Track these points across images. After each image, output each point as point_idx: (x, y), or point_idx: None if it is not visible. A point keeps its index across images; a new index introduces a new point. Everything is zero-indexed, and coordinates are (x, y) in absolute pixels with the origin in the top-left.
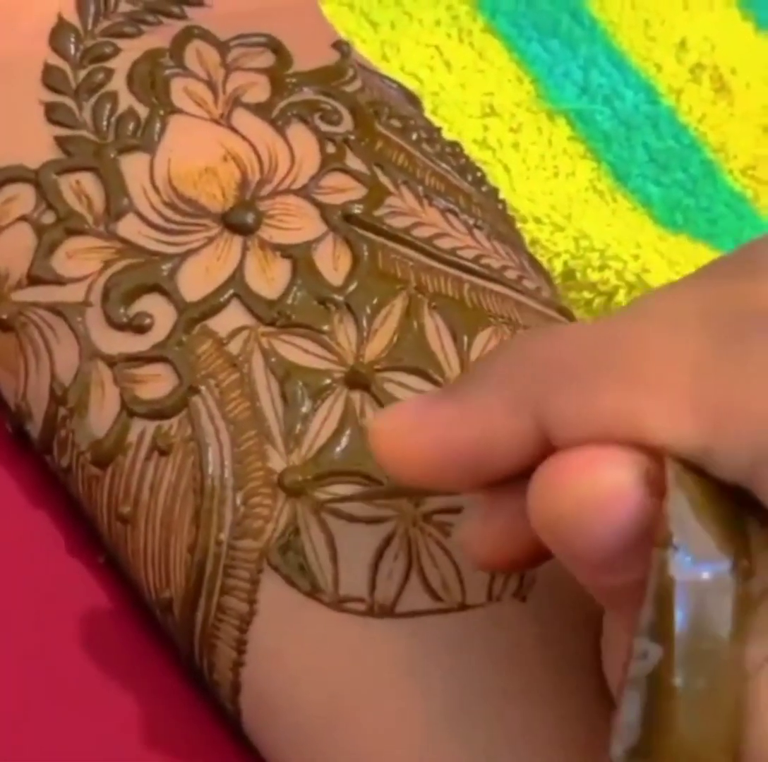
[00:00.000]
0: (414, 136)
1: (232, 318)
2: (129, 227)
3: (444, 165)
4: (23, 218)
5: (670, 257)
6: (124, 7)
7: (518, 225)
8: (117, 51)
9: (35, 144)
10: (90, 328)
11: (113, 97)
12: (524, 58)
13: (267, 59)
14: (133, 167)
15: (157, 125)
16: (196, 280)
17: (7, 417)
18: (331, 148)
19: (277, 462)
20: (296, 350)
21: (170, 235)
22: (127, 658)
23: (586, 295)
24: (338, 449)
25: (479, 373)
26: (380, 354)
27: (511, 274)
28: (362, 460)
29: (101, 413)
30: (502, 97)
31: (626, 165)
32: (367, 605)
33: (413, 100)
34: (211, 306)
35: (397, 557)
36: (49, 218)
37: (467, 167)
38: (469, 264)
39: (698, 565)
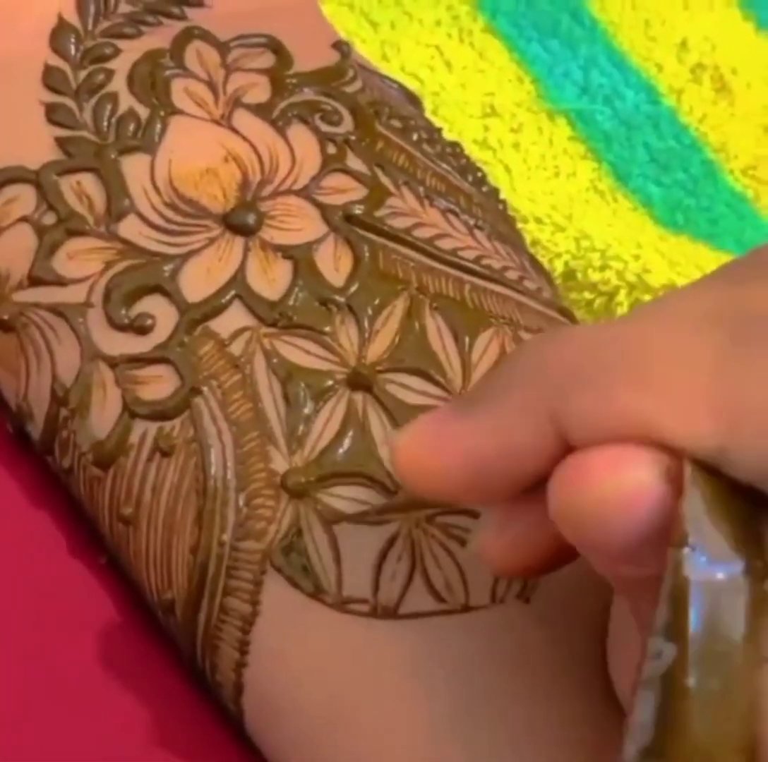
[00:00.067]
0: (414, 137)
1: (233, 319)
2: (130, 228)
3: (444, 165)
4: (24, 219)
5: (670, 257)
6: (124, 8)
7: (519, 225)
8: (117, 52)
9: (36, 145)
10: (91, 329)
11: (114, 97)
12: (525, 58)
13: (267, 60)
14: (134, 168)
15: (158, 126)
16: (198, 281)
17: (8, 417)
18: (331, 149)
19: (279, 463)
20: (298, 351)
21: (171, 236)
22: (128, 658)
23: (587, 295)
24: (341, 451)
25: (494, 382)
26: (382, 355)
27: (512, 275)
28: (365, 462)
29: (103, 414)
30: (502, 97)
31: (627, 165)
32: (370, 606)
33: (414, 100)
34: (213, 307)
35: (400, 558)
36: (50, 219)
37: (468, 167)
38: (470, 265)
39: (713, 565)
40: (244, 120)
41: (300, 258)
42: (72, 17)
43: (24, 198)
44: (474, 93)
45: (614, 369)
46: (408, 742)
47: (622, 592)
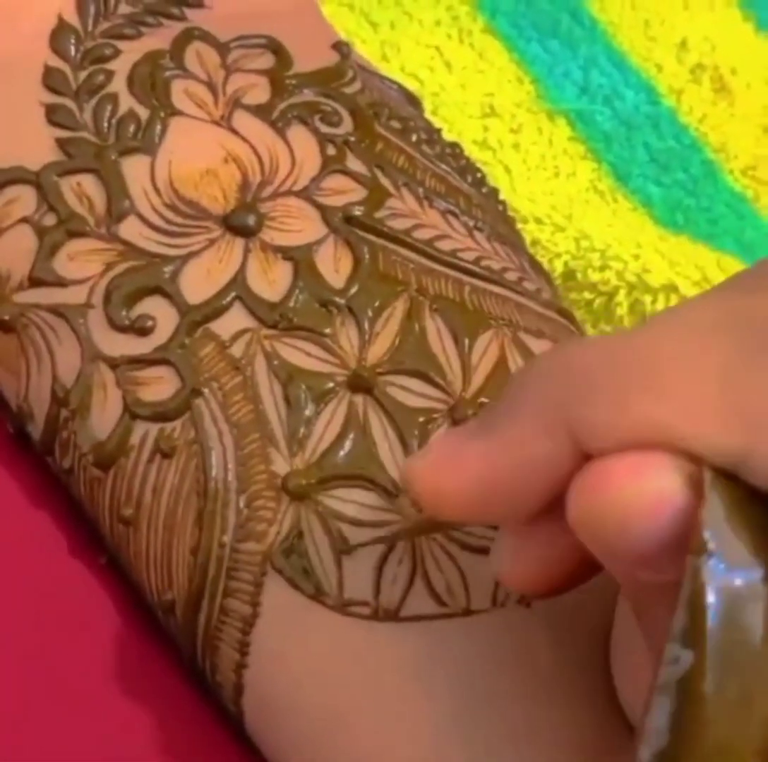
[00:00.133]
0: (414, 138)
1: (234, 320)
2: (130, 229)
3: (444, 166)
4: (24, 220)
5: (670, 257)
6: (124, 9)
7: (519, 226)
8: (117, 52)
9: (36, 146)
10: (92, 330)
11: (114, 98)
12: (524, 58)
13: (267, 61)
14: (134, 169)
15: (158, 127)
16: (198, 282)
17: (9, 418)
18: (331, 150)
19: (280, 465)
20: (299, 353)
21: (172, 238)
22: (128, 658)
23: (587, 295)
24: (342, 453)
25: (505, 400)
26: (382, 357)
27: (511, 276)
28: (366, 464)
29: (103, 415)
30: (502, 97)
31: (627, 165)
32: (371, 609)
33: (413, 101)
34: (214, 308)
35: (401, 562)
36: (50, 220)
37: (467, 168)
38: (470, 266)
39: (732, 572)
40: (243, 121)
41: (300, 259)
42: (72, 18)
43: (24, 199)
44: (474, 93)
45: (629, 378)
46: (408, 744)
47: (637, 598)
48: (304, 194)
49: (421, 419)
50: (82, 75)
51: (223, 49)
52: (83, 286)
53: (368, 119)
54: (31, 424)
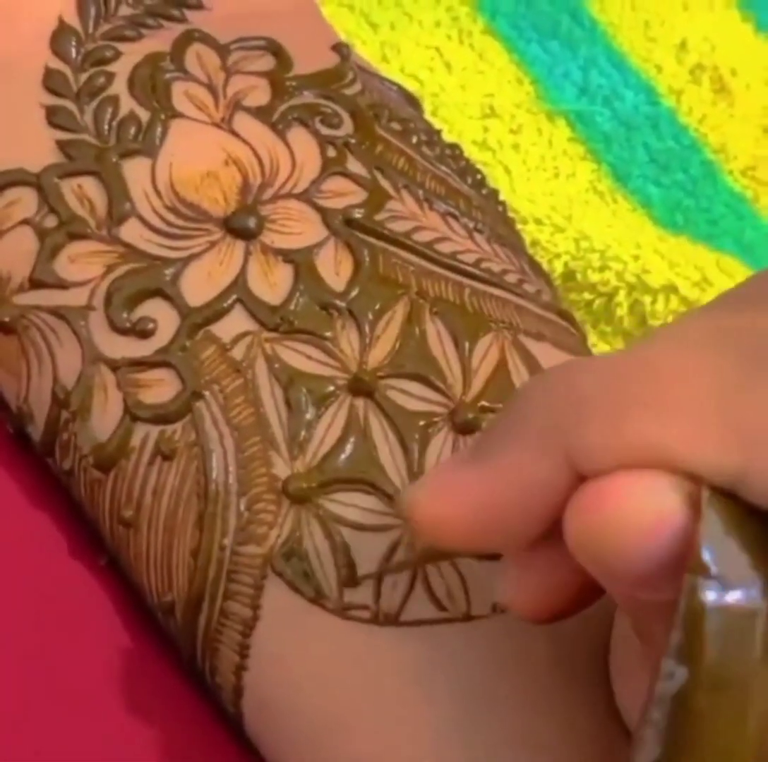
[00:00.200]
0: (414, 139)
1: (235, 323)
2: (131, 231)
3: (444, 168)
4: (25, 222)
5: (670, 258)
6: (125, 11)
7: (518, 226)
8: (118, 54)
9: (36, 147)
10: (93, 332)
11: (114, 100)
12: (524, 59)
13: (267, 62)
14: (135, 171)
15: (159, 129)
16: (199, 284)
17: (9, 419)
18: (331, 152)
19: (281, 468)
20: (299, 356)
21: (172, 240)
22: (128, 659)
23: (587, 296)
24: (343, 456)
25: (501, 426)
26: (383, 361)
27: (511, 278)
28: (366, 468)
29: (104, 417)
30: (502, 98)
31: (626, 166)
32: (371, 613)
33: (413, 102)
34: (215, 311)
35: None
36: (51, 222)
37: (467, 170)
38: (470, 268)
39: (728, 590)
40: (244, 123)
41: (301, 262)
42: (72, 20)
43: (25, 201)
44: (473, 94)
45: (623, 398)
46: (408, 748)
47: (634, 616)
48: (305, 196)
49: (421, 423)
50: (83, 77)
51: (223, 51)
52: (84, 288)
53: (368, 121)
54: (31, 426)
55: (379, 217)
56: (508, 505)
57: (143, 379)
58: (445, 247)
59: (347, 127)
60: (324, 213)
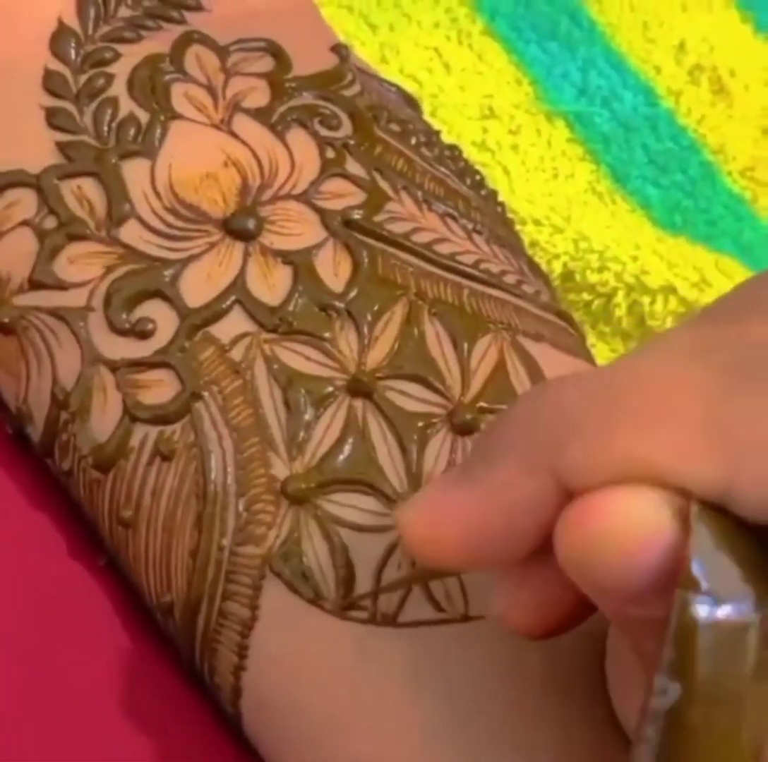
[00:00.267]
0: (413, 140)
1: (234, 324)
2: (130, 233)
3: (443, 169)
4: (25, 223)
5: (669, 259)
6: (124, 12)
7: (517, 227)
8: (117, 56)
9: (36, 149)
10: (92, 333)
11: (114, 102)
12: (523, 60)
13: (266, 64)
14: (135, 173)
15: (158, 131)
16: (198, 286)
17: (8, 420)
18: (330, 153)
19: (280, 469)
20: (298, 357)
21: (172, 241)
22: (127, 659)
23: (585, 296)
24: (341, 457)
25: (489, 445)
26: (381, 362)
27: (510, 279)
28: (365, 469)
29: (103, 418)
30: (501, 99)
31: (625, 167)
32: (369, 614)
33: (412, 103)
34: (214, 312)
35: (400, 567)
36: (50, 223)
37: (466, 170)
38: (469, 269)
39: (720, 605)
40: (243, 124)
41: (300, 263)
42: (72, 21)
43: (25, 202)
44: (472, 95)
45: (609, 414)
46: (404, 749)
47: (626, 632)
48: (304, 198)
49: (420, 424)
50: (83, 78)
51: (222, 52)
52: (83, 289)
53: (367, 122)
54: (30, 426)
55: (378, 218)
56: (497, 524)
57: (142, 379)
58: (444, 248)
59: (346, 128)
60: (323, 214)
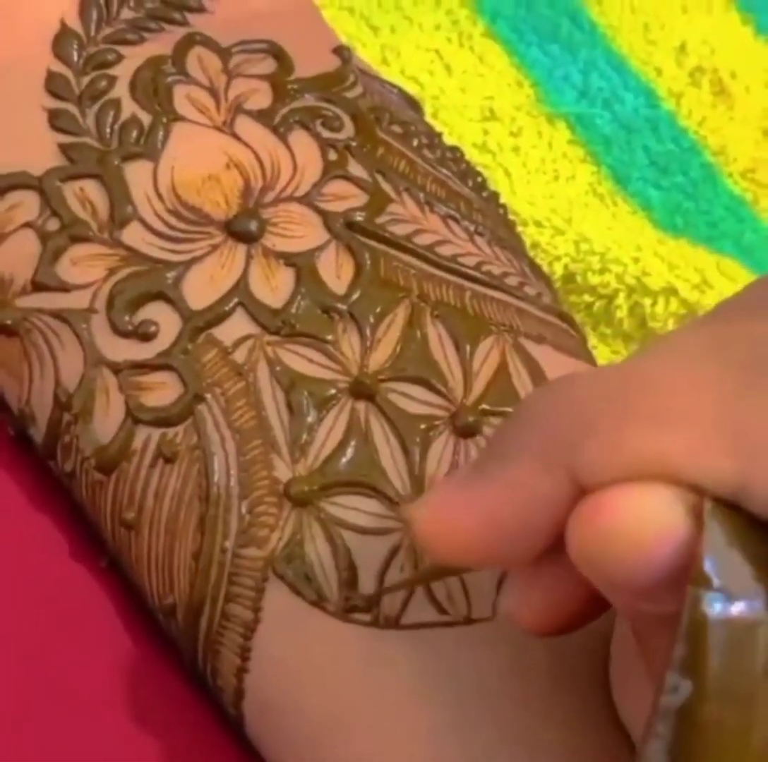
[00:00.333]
0: (415, 142)
1: (236, 326)
2: (133, 235)
3: (445, 170)
4: (27, 225)
5: (670, 260)
6: (127, 14)
7: (519, 229)
8: (120, 58)
9: (39, 151)
10: (95, 335)
11: (116, 104)
12: (524, 62)
13: (268, 65)
14: (137, 175)
15: (161, 133)
16: (201, 288)
17: (11, 421)
18: (332, 155)
19: (282, 471)
20: (301, 360)
21: (174, 243)
22: (129, 661)
23: (587, 298)
24: (344, 460)
25: (502, 441)
26: (384, 364)
27: (511, 281)
28: (367, 472)
29: (106, 420)
30: (502, 101)
31: (626, 168)
32: (372, 616)
33: (414, 105)
34: (216, 314)
35: (403, 569)
36: (53, 225)
37: (468, 172)
38: (471, 271)
39: (732, 601)
40: (245, 126)
41: (302, 265)
42: (74, 23)
43: (27, 204)
44: (474, 97)
45: (624, 410)
46: (407, 750)
47: (637, 628)
48: (306, 200)
49: (422, 426)
50: (85, 80)
51: (224, 54)
52: (86, 291)
53: (369, 124)
54: (33, 428)
55: (380, 220)
56: (511, 521)
57: (145, 382)
58: (446, 250)
59: (348, 130)
60: (325, 216)
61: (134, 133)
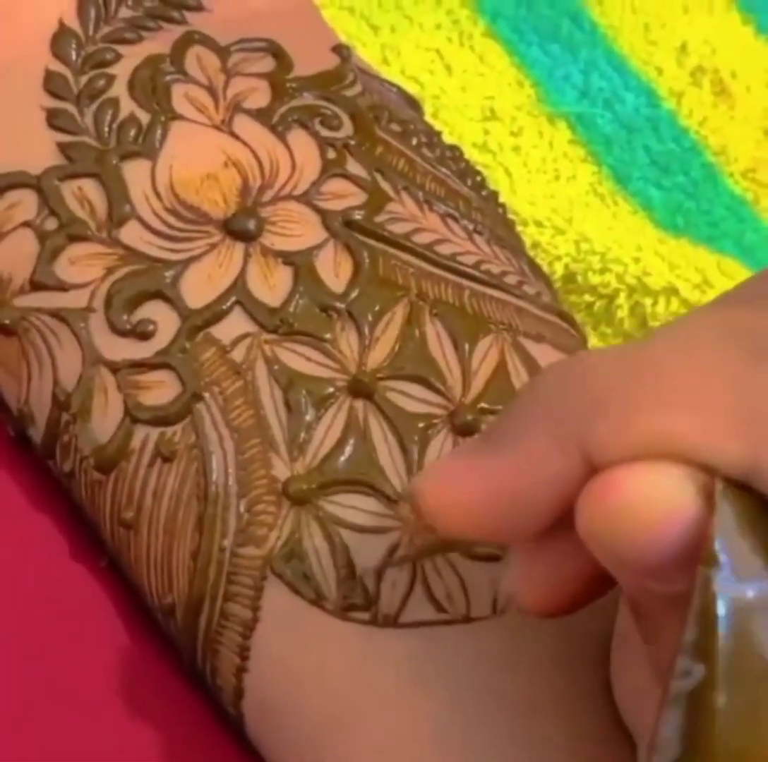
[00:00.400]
0: (414, 141)
1: (234, 325)
2: (131, 234)
3: (444, 169)
4: (26, 224)
5: (670, 260)
6: (125, 13)
7: (519, 228)
8: (118, 57)
9: (37, 150)
10: (93, 334)
11: (115, 103)
12: (525, 62)
13: (267, 64)
14: (135, 173)
15: (159, 131)
16: (199, 287)
17: (10, 421)
18: (331, 154)
19: (281, 470)
20: (299, 358)
21: (172, 242)
22: (128, 661)
23: (587, 298)
24: (342, 458)
25: (514, 415)
26: (382, 362)
27: (511, 280)
28: (366, 470)
29: (104, 419)
30: (502, 100)
31: (627, 168)
32: (371, 614)
33: (413, 104)
34: (214, 313)
35: (401, 567)
36: (51, 224)
37: (467, 171)
38: (470, 270)
39: (743, 583)
40: (244, 125)
41: (300, 264)
42: (73, 22)
43: (25, 203)
44: (474, 96)
45: (637, 390)
46: (406, 750)
47: (644, 611)
48: (305, 198)
49: (421, 425)
50: (83, 79)
51: (223, 52)
52: (84, 290)
53: (368, 122)
54: (32, 428)
55: (379, 218)
56: (518, 494)
57: (143, 381)
58: (444, 249)
59: (347, 128)
60: (324, 215)
61: (132, 132)
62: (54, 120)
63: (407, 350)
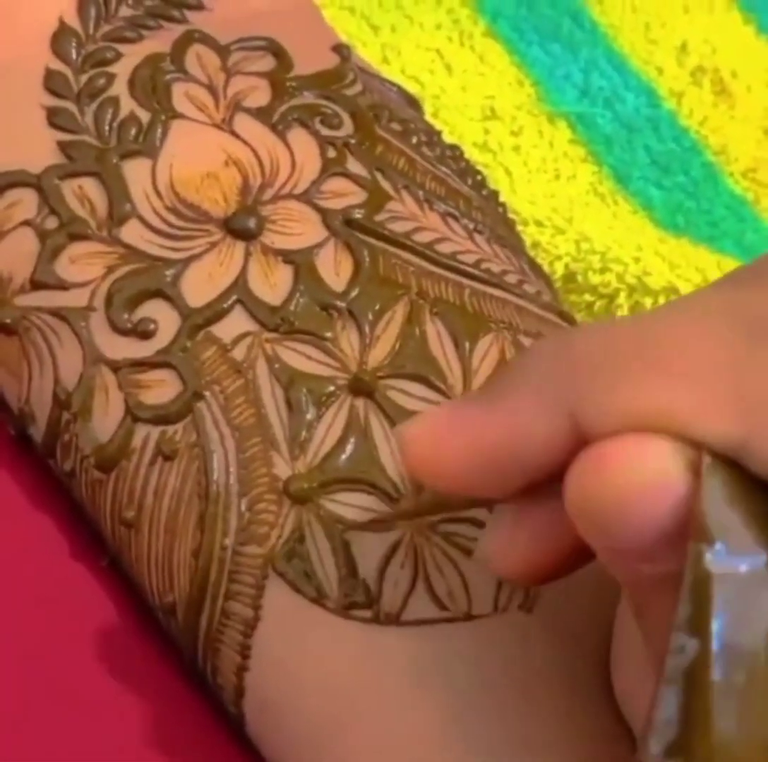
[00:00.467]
0: (414, 140)
1: (235, 324)
2: (132, 232)
3: (444, 168)
4: (26, 223)
5: (671, 260)
6: (125, 12)
7: (519, 228)
8: (118, 56)
9: (37, 149)
10: (94, 333)
11: (115, 101)
12: (525, 61)
13: (268, 63)
14: (136, 172)
15: (159, 130)
16: (200, 285)
17: (11, 420)
18: (331, 153)
19: (282, 469)
20: (300, 357)
21: (173, 241)
22: (129, 660)
23: (587, 297)
24: (343, 457)
25: (509, 374)
26: (383, 361)
27: (511, 279)
28: (367, 468)
29: (105, 418)
30: (502, 100)
31: (627, 168)
32: (372, 613)
33: (413, 103)
34: (215, 312)
35: (403, 566)
36: (51, 223)
37: (467, 170)
38: (470, 269)
39: (735, 558)
40: (244, 124)
41: (301, 263)
42: (73, 21)
43: (26, 202)
44: (474, 96)
45: (630, 362)
46: (408, 748)
47: (636, 593)
48: (305, 197)
49: None
50: (84, 78)
51: (223, 51)
52: (85, 289)
53: (369, 121)
54: (32, 427)
55: (379, 217)
56: (501, 449)
57: (144, 379)
58: (445, 248)
59: (347, 127)
60: (324, 213)
61: (133, 131)
62: (54, 119)
63: (408, 349)
